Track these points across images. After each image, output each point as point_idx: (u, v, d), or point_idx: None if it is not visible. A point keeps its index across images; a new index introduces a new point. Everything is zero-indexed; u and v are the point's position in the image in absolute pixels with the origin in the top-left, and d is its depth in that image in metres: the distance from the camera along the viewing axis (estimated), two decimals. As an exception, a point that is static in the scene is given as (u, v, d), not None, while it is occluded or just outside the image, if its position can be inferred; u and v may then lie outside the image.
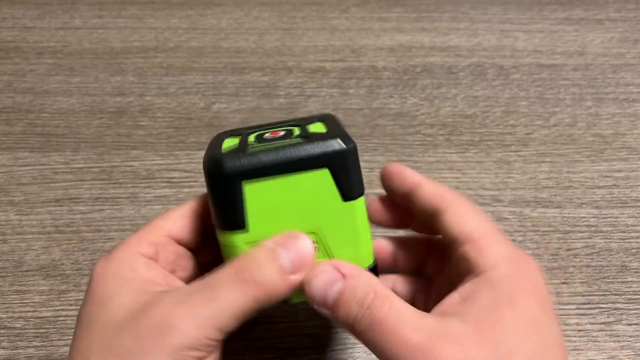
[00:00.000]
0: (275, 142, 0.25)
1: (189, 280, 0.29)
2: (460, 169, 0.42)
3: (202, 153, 0.43)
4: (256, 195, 0.24)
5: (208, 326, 0.22)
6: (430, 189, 0.28)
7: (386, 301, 0.24)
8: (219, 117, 0.45)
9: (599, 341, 0.33)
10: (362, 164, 0.26)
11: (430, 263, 0.31)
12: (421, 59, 0.50)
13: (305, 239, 0.25)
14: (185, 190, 0.41)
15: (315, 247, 0.25)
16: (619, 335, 0.34)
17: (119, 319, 0.23)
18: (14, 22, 0.54)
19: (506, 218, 0.39)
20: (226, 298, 0.23)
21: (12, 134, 0.44)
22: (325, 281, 0.24)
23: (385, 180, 0.30)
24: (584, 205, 0.40)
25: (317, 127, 0.26)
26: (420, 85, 0.48)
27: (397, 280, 0.31)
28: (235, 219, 0.25)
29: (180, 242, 0.28)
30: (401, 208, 0.30)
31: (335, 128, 0.26)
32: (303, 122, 0.27)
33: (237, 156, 0.24)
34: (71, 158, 0.43)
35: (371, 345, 0.23)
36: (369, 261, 0.26)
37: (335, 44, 0.52)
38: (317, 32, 0.53)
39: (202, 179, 0.41)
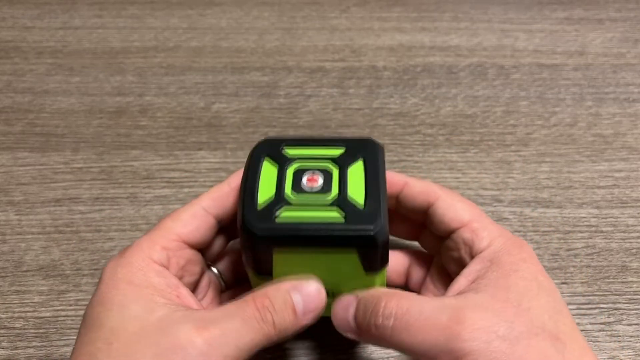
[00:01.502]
0: (311, 207, 0.25)
1: (194, 285, 0.29)
2: (461, 169, 0.42)
3: (202, 153, 0.43)
4: (284, 259, 0.25)
5: (226, 354, 0.23)
6: (418, 185, 0.29)
7: (401, 299, 0.24)
8: (218, 117, 0.45)
9: (599, 341, 0.33)
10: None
11: (414, 275, 0.32)
12: (421, 58, 0.50)
13: (317, 284, 0.26)
14: (185, 190, 0.41)
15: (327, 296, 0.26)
16: (619, 336, 0.34)
17: (135, 330, 0.23)
18: (14, 22, 0.54)
19: (506, 218, 0.39)
20: (248, 334, 0.24)
21: (12, 133, 0.44)
22: (342, 308, 0.26)
23: None
24: (584, 205, 0.40)
25: (356, 174, 0.26)
26: (421, 85, 0.48)
27: None
28: (262, 269, 0.26)
29: (191, 245, 0.28)
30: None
31: (373, 190, 0.26)
32: (342, 160, 0.27)
33: (271, 224, 0.24)
34: (71, 158, 0.43)
35: (405, 345, 0.24)
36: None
37: (335, 43, 0.52)
38: (317, 31, 0.53)
39: (201, 179, 0.41)
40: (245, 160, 0.43)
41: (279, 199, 0.25)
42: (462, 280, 0.26)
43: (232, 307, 0.25)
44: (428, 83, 0.48)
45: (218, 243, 0.31)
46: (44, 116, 0.46)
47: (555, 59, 0.50)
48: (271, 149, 0.27)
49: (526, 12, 0.55)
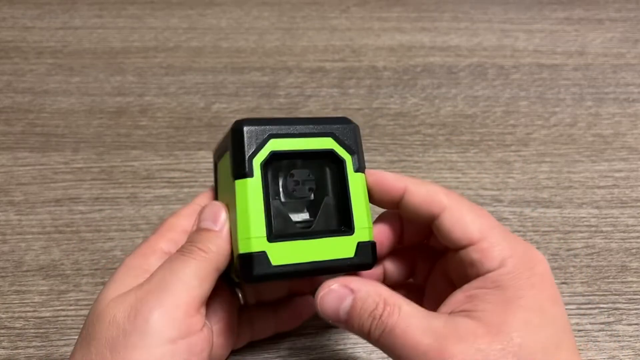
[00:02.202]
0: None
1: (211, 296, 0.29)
2: (461, 169, 0.42)
3: (202, 153, 0.43)
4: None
5: (179, 293, 0.24)
6: (420, 192, 0.26)
7: (395, 308, 0.24)
8: (218, 117, 0.45)
9: (599, 341, 0.33)
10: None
11: (420, 269, 0.31)
12: (421, 58, 0.50)
13: (216, 203, 0.27)
14: (185, 190, 0.41)
15: None
16: (619, 335, 0.34)
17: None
18: (14, 22, 0.54)
19: (506, 218, 0.39)
20: (182, 269, 0.25)
21: (12, 134, 0.44)
22: (335, 298, 0.25)
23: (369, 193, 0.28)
24: (584, 205, 0.40)
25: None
26: (421, 85, 0.48)
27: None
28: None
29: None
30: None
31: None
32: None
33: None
34: (71, 158, 0.43)
35: (386, 350, 0.24)
36: (371, 237, 0.27)
37: (335, 44, 0.52)
38: (317, 32, 0.53)
39: (201, 179, 0.41)
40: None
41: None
42: (459, 296, 0.25)
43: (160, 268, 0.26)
44: (428, 83, 0.48)
45: None
46: (44, 116, 0.46)
47: (555, 59, 0.50)
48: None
49: (526, 12, 0.55)
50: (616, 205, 0.40)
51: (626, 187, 0.41)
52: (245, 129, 0.25)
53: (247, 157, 0.25)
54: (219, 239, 0.26)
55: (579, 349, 0.33)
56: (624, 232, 0.39)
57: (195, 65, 0.50)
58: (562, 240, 0.38)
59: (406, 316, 0.24)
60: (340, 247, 0.26)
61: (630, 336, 0.34)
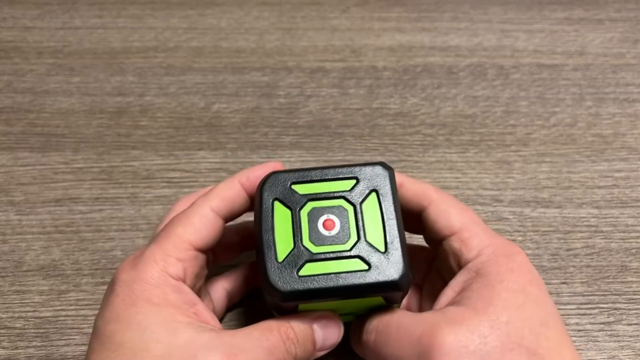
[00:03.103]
0: (332, 257, 0.25)
1: (201, 287, 0.29)
2: (460, 169, 0.42)
3: (202, 153, 0.43)
4: (309, 306, 0.26)
5: None
6: (413, 188, 0.29)
7: (384, 314, 0.26)
8: (219, 117, 0.45)
9: (599, 341, 0.33)
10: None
11: (417, 269, 0.32)
12: (421, 59, 0.50)
13: (338, 321, 0.27)
14: (185, 190, 0.41)
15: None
16: (619, 335, 0.34)
17: (159, 353, 0.23)
18: (14, 22, 0.54)
19: (506, 218, 0.39)
20: None
21: (12, 134, 0.44)
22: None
23: None
24: (584, 205, 0.40)
25: (371, 210, 0.26)
26: (420, 85, 0.48)
27: None
28: (286, 313, 0.27)
29: (202, 251, 0.27)
30: None
31: (391, 228, 0.26)
32: (355, 196, 0.27)
33: (295, 281, 0.25)
34: (71, 158, 0.43)
35: (385, 358, 0.25)
36: None
37: (335, 44, 0.52)
38: (317, 32, 0.53)
39: (202, 179, 0.41)
40: (244, 159, 0.43)
41: (299, 251, 0.25)
42: (449, 292, 0.26)
43: (257, 333, 0.25)
44: (428, 83, 0.48)
45: (226, 252, 0.32)
46: (45, 116, 0.46)
47: (555, 59, 0.50)
48: (279, 189, 0.26)
49: (526, 12, 0.55)
50: (616, 205, 0.40)
51: (626, 187, 0.41)
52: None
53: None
54: (308, 358, 0.27)
55: (579, 349, 0.33)
56: (624, 232, 0.39)
57: (195, 65, 0.50)
58: (562, 240, 0.38)
59: (397, 316, 0.25)
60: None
61: (630, 336, 0.34)
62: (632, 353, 0.33)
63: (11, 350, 0.33)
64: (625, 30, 0.53)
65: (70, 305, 0.35)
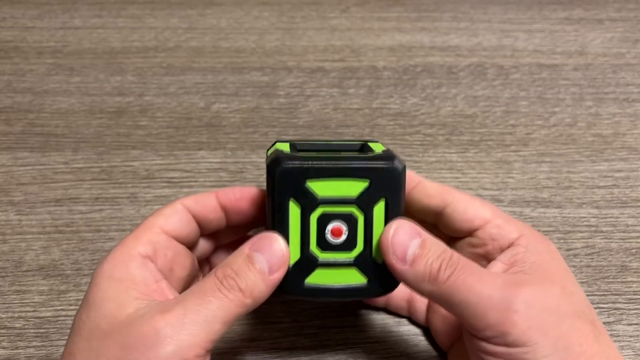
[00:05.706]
0: (336, 267, 0.27)
1: (188, 279, 0.29)
2: (460, 169, 0.42)
3: (202, 153, 0.43)
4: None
5: (199, 332, 0.23)
6: (433, 185, 0.30)
7: (461, 257, 0.26)
8: (219, 117, 0.45)
9: (599, 341, 0.33)
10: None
11: None
12: (421, 58, 0.50)
13: (279, 239, 0.25)
14: (185, 190, 0.41)
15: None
16: (619, 335, 0.34)
17: (106, 328, 0.23)
18: (14, 22, 0.54)
19: (506, 218, 0.39)
20: (213, 306, 0.23)
21: (12, 134, 0.44)
22: (406, 234, 0.26)
23: None
24: (584, 205, 0.40)
25: (380, 215, 0.27)
26: (420, 85, 0.48)
27: None
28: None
29: (177, 239, 0.28)
30: None
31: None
32: (366, 201, 0.26)
33: (301, 288, 0.27)
34: (71, 158, 0.43)
35: (458, 294, 0.24)
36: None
37: (335, 44, 0.52)
38: (317, 32, 0.53)
39: (201, 179, 0.41)
40: (244, 159, 0.43)
41: (307, 258, 0.26)
42: (498, 265, 0.27)
43: (195, 285, 0.24)
44: (428, 83, 0.48)
45: (206, 245, 0.31)
46: (44, 116, 0.46)
47: (555, 59, 0.50)
48: (295, 184, 0.26)
49: (526, 12, 0.55)
50: (616, 205, 0.40)
51: (626, 187, 0.41)
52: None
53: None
54: (266, 287, 0.25)
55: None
56: (624, 232, 0.39)
57: (195, 65, 0.50)
58: (562, 240, 0.38)
59: (472, 262, 0.26)
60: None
61: (630, 336, 0.34)
62: (632, 353, 0.33)
63: (11, 350, 0.33)
64: (625, 30, 0.53)
65: (70, 305, 0.35)
